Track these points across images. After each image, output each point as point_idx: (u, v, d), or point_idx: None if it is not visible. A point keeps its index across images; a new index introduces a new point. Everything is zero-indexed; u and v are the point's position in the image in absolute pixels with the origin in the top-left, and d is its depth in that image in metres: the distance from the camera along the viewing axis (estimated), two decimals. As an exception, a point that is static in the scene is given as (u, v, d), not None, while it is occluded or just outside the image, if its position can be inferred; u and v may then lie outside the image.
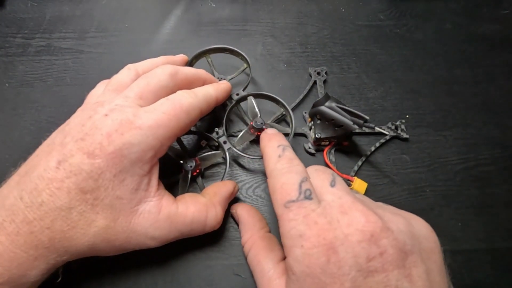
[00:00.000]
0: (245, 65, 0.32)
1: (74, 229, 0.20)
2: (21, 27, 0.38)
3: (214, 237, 0.27)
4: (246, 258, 0.24)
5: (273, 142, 0.23)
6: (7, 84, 0.34)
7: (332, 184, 0.20)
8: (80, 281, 0.25)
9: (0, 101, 0.33)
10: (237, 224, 0.27)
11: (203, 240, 0.26)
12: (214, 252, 0.26)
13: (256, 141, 0.30)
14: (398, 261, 0.16)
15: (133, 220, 0.21)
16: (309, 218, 0.18)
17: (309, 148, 0.30)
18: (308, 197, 0.19)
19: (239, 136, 0.29)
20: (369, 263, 0.16)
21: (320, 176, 0.21)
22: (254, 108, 0.29)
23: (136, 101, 0.22)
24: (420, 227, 0.19)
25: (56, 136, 0.22)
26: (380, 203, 0.21)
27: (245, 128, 0.29)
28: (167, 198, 0.23)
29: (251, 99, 0.29)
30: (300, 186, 0.19)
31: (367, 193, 0.29)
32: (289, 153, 0.22)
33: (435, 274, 0.17)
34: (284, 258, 0.21)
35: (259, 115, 0.29)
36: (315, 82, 0.34)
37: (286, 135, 0.31)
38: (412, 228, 0.18)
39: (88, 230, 0.20)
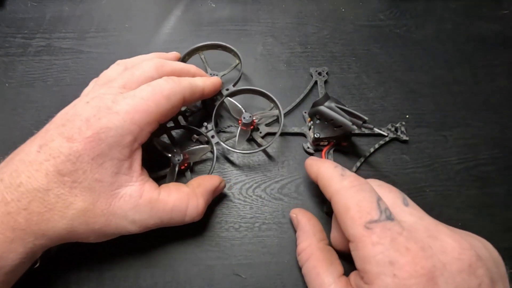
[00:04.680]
0: (237, 61, 0.32)
1: (52, 211, 0.20)
2: (21, 27, 0.38)
3: (214, 238, 0.27)
4: (301, 267, 0.23)
5: (328, 163, 0.22)
6: (7, 84, 0.34)
7: (406, 203, 0.19)
8: (79, 282, 0.25)
9: (0, 101, 0.33)
10: (295, 230, 0.26)
11: (203, 240, 0.27)
12: (214, 252, 0.26)
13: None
14: None
15: (113, 202, 0.21)
16: (397, 242, 0.16)
17: (308, 148, 0.30)
18: (390, 217, 0.17)
19: (236, 138, 0.29)
20: None
21: (389, 195, 0.20)
22: (236, 106, 0.29)
23: (119, 90, 0.22)
24: (492, 251, 0.19)
25: (45, 126, 0.22)
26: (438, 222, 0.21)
27: (237, 128, 0.29)
28: (149, 184, 0.23)
29: (229, 100, 0.29)
30: (379, 205, 0.18)
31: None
32: (351, 172, 0.21)
33: None
34: (343, 273, 0.21)
35: (244, 110, 0.29)
36: (316, 82, 0.34)
37: (276, 125, 0.31)
38: (490, 253, 0.18)
39: (66, 213, 0.20)
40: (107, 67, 0.35)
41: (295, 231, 0.26)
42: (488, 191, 0.29)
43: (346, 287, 0.20)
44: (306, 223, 0.25)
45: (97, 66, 0.36)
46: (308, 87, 0.34)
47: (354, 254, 0.18)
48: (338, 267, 0.22)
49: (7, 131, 0.31)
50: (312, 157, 0.25)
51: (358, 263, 0.18)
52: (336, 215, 0.20)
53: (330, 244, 0.24)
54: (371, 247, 0.17)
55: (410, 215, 0.19)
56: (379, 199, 0.19)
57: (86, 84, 0.34)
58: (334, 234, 0.24)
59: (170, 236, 0.25)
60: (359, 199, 0.19)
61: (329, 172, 0.22)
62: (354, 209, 0.18)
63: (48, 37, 0.37)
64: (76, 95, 0.33)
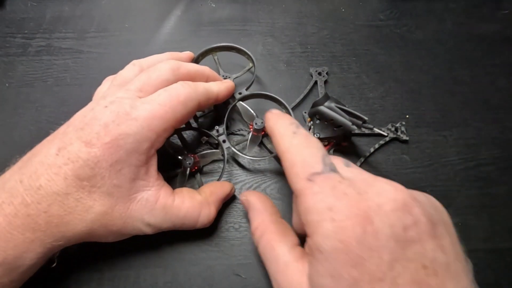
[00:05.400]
0: (251, 65, 0.32)
1: (71, 214, 0.20)
2: (21, 27, 0.38)
3: (214, 238, 0.27)
4: (257, 246, 0.22)
5: (284, 120, 0.22)
6: (7, 84, 0.34)
7: (347, 165, 0.19)
8: (79, 282, 0.25)
9: (0, 101, 0.33)
10: (247, 212, 0.25)
11: (203, 240, 0.27)
12: (214, 252, 0.26)
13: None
14: (430, 231, 0.16)
15: (131, 206, 0.22)
16: (337, 189, 0.17)
17: (309, 148, 0.30)
18: (334, 170, 0.18)
19: (248, 143, 0.29)
20: (406, 232, 0.15)
21: (333, 160, 0.20)
22: (248, 111, 0.29)
23: (136, 93, 0.22)
24: (434, 200, 0.19)
25: (62, 127, 0.22)
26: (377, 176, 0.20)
27: (249, 133, 0.29)
28: (165, 189, 0.23)
29: (241, 104, 0.29)
30: (324, 159, 0.18)
31: (367, 193, 0.29)
32: (304, 130, 0.21)
33: (459, 246, 0.17)
34: (298, 243, 0.21)
35: (255, 116, 0.29)
36: (316, 82, 0.34)
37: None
38: (431, 201, 0.18)
39: (85, 216, 0.20)
40: (107, 67, 0.35)
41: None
42: (488, 191, 0.29)
43: (301, 256, 0.19)
44: (256, 201, 0.24)
45: (97, 66, 0.36)
46: (308, 87, 0.34)
47: (299, 210, 0.18)
48: (292, 237, 0.21)
49: (7, 131, 0.31)
50: (273, 110, 0.24)
51: (302, 217, 0.18)
52: (285, 173, 0.20)
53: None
54: (312, 197, 0.17)
55: (351, 172, 0.19)
56: (325, 155, 0.19)
57: (86, 84, 0.34)
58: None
59: (170, 236, 0.25)
60: (305, 154, 0.19)
61: (282, 129, 0.21)
62: (298, 164, 0.18)
63: (48, 37, 0.37)
64: (76, 95, 0.34)
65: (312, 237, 0.17)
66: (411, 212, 0.16)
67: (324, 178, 0.17)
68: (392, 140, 0.31)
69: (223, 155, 0.28)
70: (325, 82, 0.34)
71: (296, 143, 0.20)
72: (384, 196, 0.16)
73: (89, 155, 0.20)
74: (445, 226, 0.17)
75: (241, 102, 0.30)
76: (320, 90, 0.34)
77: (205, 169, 0.30)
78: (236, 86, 0.29)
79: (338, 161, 0.20)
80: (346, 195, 0.17)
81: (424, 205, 0.17)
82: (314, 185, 0.17)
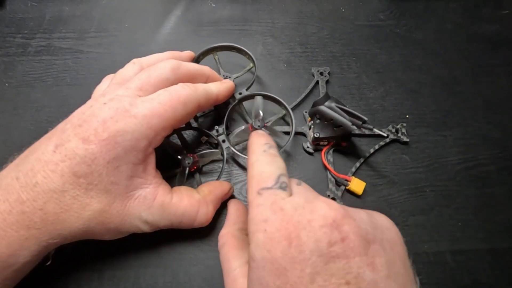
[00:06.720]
0: (251, 65, 0.32)
1: (68, 212, 0.20)
2: (21, 27, 0.38)
3: (214, 238, 0.27)
4: (219, 253, 0.24)
5: (261, 139, 0.23)
6: (7, 84, 0.34)
7: (298, 184, 0.21)
8: (79, 282, 0.25)
9: (0, 101, 0.33)
10: None
11: (203, 240, 0.27)
12: (214, 252, 0.26)
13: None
14: (360, 248, 0.16)
15: (128, 204, 0.22)
16: (276, 204, 0.18)
17: (308, 147, 0.30)
18: (283, 188, 0.19)
19: (235, 133, 0.29)
20: (331, 248, 0.16)
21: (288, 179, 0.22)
22: (259, 107, 0.29)
23: (136, 92, 0.22)
24: (382, 218, 0.19)
25: (60, 124, 0.22)
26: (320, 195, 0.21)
27: (243, 126, 0.29)
28: (163, 187, 0.23)
29: (260, 99, 0.29)
30: (279, 178, 0.19)
31: (366, 193, 0.29)
32: (274, 151, 0.22)
33: (399, 266, 0.17)
34: None
35: (261, 116, 0.29)
36: (317, 82, 0.34)
37: (287, 133, 0.31)
38: (374, 219, 0.18)
39: (82, 214, 0.20)
40: (107, 67, 0.35)
41: None
42: (488, 191, 0.29)
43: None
44: (233, 211, 0.26)
45: (97, 66, 0.36)
46: (310, 87, 0.34)
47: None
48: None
49: (7, 131, 0.31)
50: (259, 131, 0.25)
51: (248, 226, 0.19)
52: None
53: None
54: (255, 209, 0.18)
55: (298, 189, 0.20)
56: (282, 174, 0.19)
57: (86, 84, 0.34)
58: None
59: (170, 236, 0.25)
60: (264, 170, 0.20)
61: (255, 146, 0.22)
62: (255, 178, 0.20)
63: (48, 37, 0.37)
64: (76, 95, 0.34)
65: (250, 247, 0.18)
66: (339, 229, 0.16)
67: (270, 193, 0.18)
68: (392, 140, 0.31)
69: (222, 155, 0.28)
70: (326, 82, 0.34)
71: (262, 159, 0.21)
72: (316, 213, 0.17)
73: (86, 152, 0.20)
74: (384, 245, 0.17)
75: (259, 97, 0.29)
76: (322, 90, 0.34)
77: (204, 169, 0.30)
78: (236, 86, 0.29)
79: (292, 181, 0.21)
80: (282, 210, 0.17)
81: (360, 223, 0.17)
82: (260, 198, 0.18)
